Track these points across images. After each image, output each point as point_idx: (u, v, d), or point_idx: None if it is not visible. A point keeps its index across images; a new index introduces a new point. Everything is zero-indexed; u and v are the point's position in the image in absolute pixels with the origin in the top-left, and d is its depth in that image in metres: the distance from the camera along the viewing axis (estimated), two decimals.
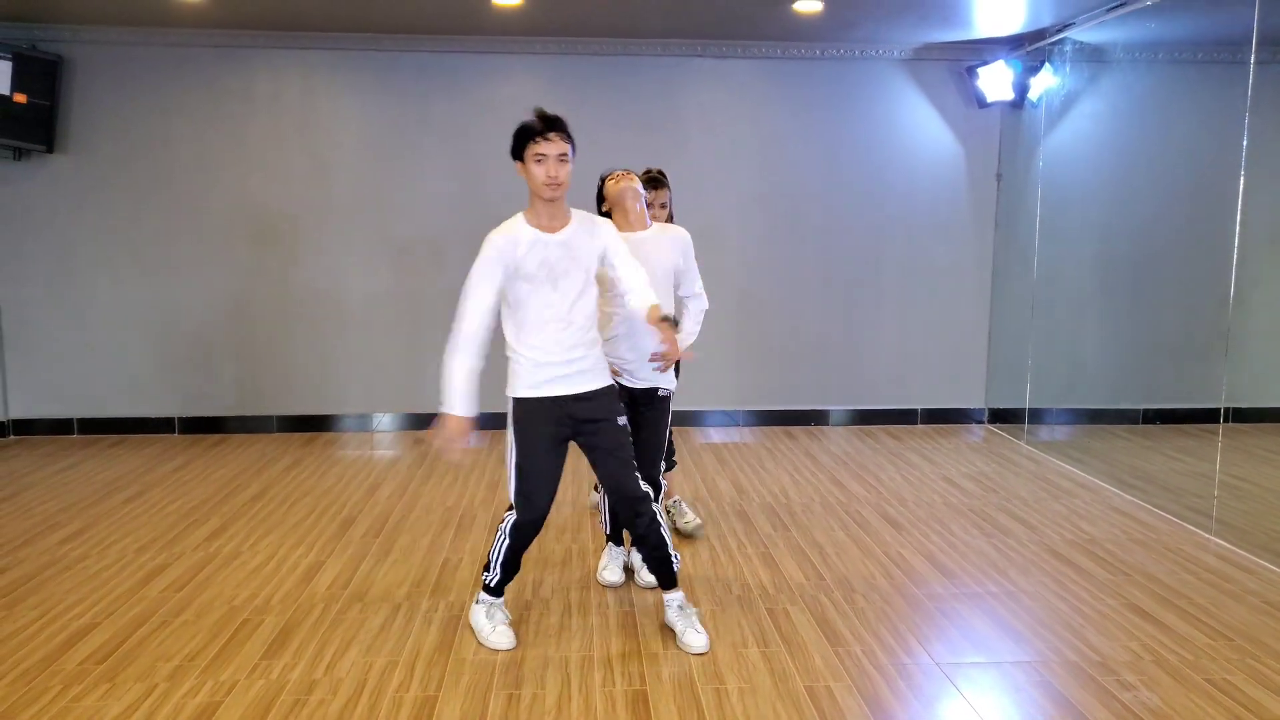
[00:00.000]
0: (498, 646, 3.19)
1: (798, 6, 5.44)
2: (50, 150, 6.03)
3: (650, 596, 3.62)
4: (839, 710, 2.79)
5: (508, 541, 3.22)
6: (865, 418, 6.85)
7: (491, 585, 3.28)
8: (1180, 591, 3.70)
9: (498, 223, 3.09)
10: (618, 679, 2.98)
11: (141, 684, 2.94)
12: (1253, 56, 4.34)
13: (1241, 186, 4.47)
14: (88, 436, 6.37)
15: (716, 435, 6.52)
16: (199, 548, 4.19)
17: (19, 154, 6.03)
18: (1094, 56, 5.94)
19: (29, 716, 2.74)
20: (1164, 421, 6.50)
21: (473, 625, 3.30)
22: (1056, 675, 3.01)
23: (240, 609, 3.52)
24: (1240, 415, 6.20)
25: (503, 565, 3.25)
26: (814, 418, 6.82)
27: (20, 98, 5.75)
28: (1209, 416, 6.14)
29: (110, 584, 3.76)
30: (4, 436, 6.32)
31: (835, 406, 6.82)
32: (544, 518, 3.19)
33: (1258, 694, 2.88)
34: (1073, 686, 2.94)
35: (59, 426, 6.39)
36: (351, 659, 3.11)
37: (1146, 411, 6.52)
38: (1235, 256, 4.56)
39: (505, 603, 3.33)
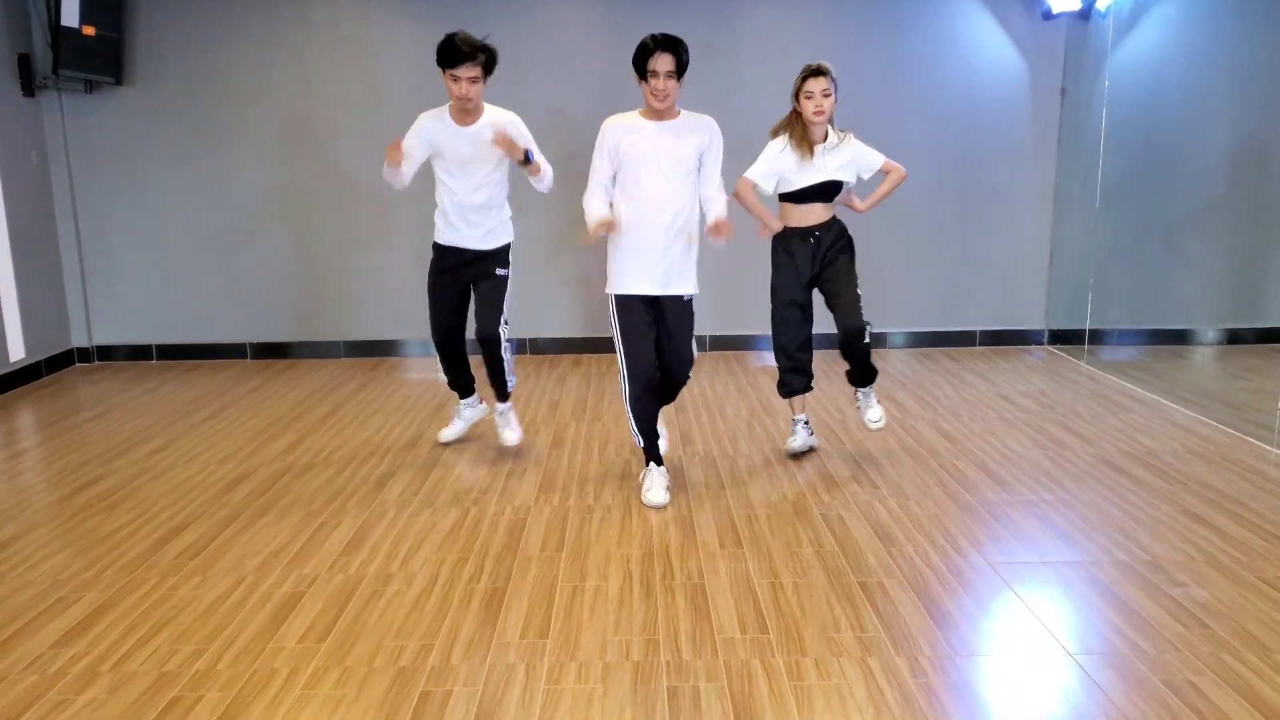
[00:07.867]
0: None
1: None
2: (119, 82, 6.20)
3: (706, 499, 3.74)
4: (891, 603, 2.88)
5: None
6: (923, 340, 6.83)
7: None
8: (1237, 499, 3.71)
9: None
10: (677, 574, 3.11)
11: (231, 575, 3.15)
12: None
13: None
14: (166, 361, 6.65)
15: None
16: (276, 459, 4.41)
17: (90, 86, 6.21)
18: None
19: (133, 602, 2.96)
20: (1231, 342, 6.38)
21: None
22: (1107, 573, 3.07)
23: (318, 513, 3.72)
24: None
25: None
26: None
27: (89, 30, 5.89)
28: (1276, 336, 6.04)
29: (197, 490, 3.99)
30: (89, 362, 6.63)
31: (893, 329, 6.81)
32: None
33: None
34: (1123, 583, 3.00)
35: (139, 352, 6.68)
36: (424, 556, 3.29)
37: (1212, 331, 6.40)
38: None
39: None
